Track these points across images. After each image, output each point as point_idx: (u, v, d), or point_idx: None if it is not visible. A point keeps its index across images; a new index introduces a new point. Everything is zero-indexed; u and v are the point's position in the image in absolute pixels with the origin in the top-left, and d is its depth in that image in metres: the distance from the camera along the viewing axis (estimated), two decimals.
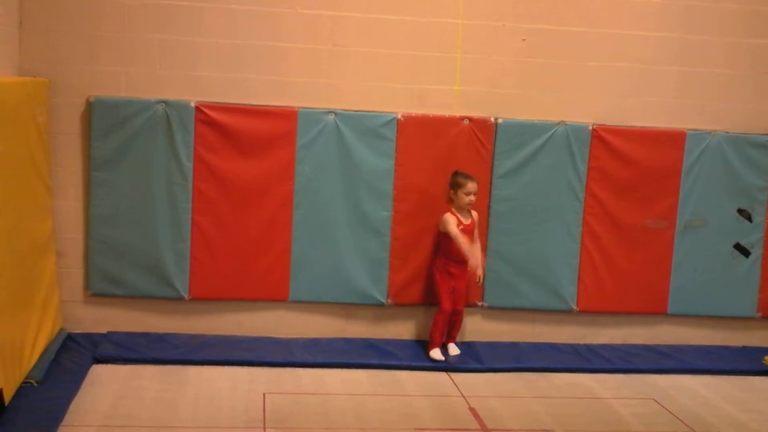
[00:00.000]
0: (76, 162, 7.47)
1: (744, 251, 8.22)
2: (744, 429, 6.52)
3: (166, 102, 7.43)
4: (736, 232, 8.20)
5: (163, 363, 7.10)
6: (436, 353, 7.46)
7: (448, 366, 7.42)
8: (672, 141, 8.07)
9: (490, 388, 7.05)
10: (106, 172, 7.44)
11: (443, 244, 7.50)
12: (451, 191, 7.43)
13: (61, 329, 7.37)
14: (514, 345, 7.95)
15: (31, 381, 6.30)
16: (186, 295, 7.64)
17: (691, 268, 8.17)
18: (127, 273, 7.57)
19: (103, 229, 7.51)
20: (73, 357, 7.00)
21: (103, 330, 7.56)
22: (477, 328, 8.05)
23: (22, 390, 6.12)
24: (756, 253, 8.22)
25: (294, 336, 7.79)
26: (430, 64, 7.78)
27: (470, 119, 7.81)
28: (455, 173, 7.47)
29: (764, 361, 7.84)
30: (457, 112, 7.84)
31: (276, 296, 7.78)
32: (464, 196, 7.36)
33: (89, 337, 7.43)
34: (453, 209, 7.43)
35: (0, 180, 5.77)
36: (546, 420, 6.47)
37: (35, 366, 6.49)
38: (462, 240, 7.31)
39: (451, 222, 7.36)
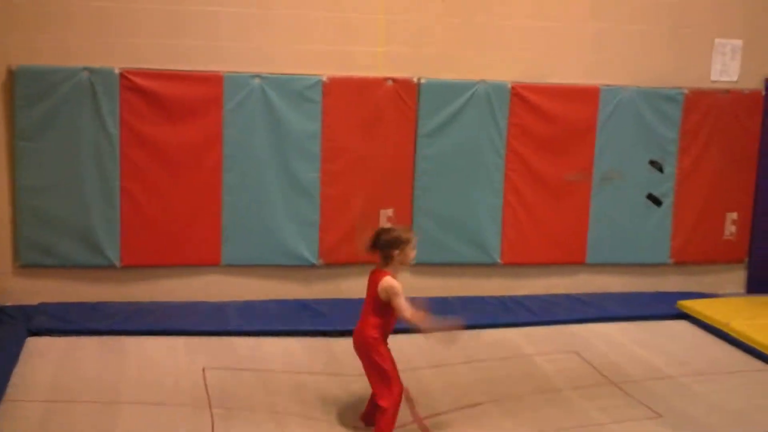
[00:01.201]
0: (1, 132, 7.35)
1: (656, 201, 8.63)
2: (658, 372, 6.88)
3: (90, 69, 7.36)
4: (649, 183, 8.60)
5: (100, 334, 7.06)
6: None
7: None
8: (586, 96, 8.37)
9: (419, 349, 6.91)
10: (32, 141, 7.36)
11: (385, 312, 5.63)
12: (395, 251, 5.61)
13: None
14: (443, 300, 8.15)
15: None
16: (118, 263, 7.65)
17: (607, 218, 8.54)
18: (58, 243, 7.54)
19: (32, 200, 7.45)
20: (6, 330, 6.95)
21: (35, 301, 7.53)
22: (405, 283, 8.16)
23: None
24: (667, 202, 8.64)
25: (228, 300, 7.88)
26: (354, 26, 7.87)
27: (394, 80, 7.95)
28: (390, 230, 5.80)
29: (678, 305, 8.28)
30: (381, 73, 7.96)
31: (208, 261, 7.87)
32: (412, 250, 5.75)
33: (21, 309, 7.37)
34: (392, 272, 5.66)
35: None
36: (473, 384, 6.54)
37: None
38: (417, 316, 5.55)
39: (400, 291, 5.59)
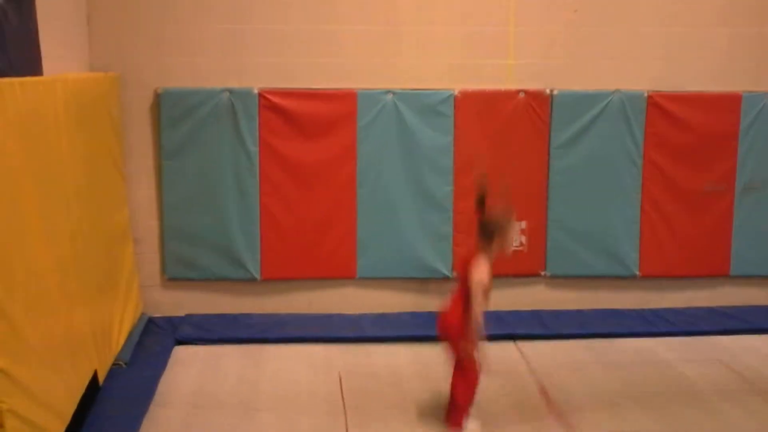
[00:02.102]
0: (148, 152, 7.76)
1: None
2: None
3: (230, 90, 7.67)
4: None
5: (241, 342, 7.40)
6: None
7: (514, 333, 7.57)
8: (727, 104, 8.12)
9: (556, 355, 7.20)
10: (176, 160, 7.72)
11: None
12: (494, 236, 5.48)
13: (142, 313, 7.70)
14: (578, 312, 8.08)
15: (120, 362, 6.63)
16: (258, 276, 7.90)
17: (751, 229, 8.23)
18: (201, 257, 7.86)
19: (176, 216, 7.80)
20: (155, 339, 7.34)
21: (181, 313, 7.89)
22: (541, 297, 8.21)
23: (113, 371, 6.46)
24: None
25: (363, 312, 8.03)
26: (484, 39, 7.91)
27: (526, 92, 7.94)
28: (491, 215, 5.55)
29: None
30: (513, 86, 7.96)
31: (344, 274, 8.02)
32: (512, 235, 5.62)
33: (169, 320, 7.76)
34: (488, 256, 5.51)
35: (83, 173, 6.05)
36: (612, 386, 6.61)
37: (122, 349, 6.83)
38: (478, 320, 5.43)
39: (484, 286, 5.43)
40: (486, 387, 6.17)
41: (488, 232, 5.50)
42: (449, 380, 5.79)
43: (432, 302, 8.09)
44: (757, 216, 8.22)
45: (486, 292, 5.48)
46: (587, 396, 6.43)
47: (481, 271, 5.44)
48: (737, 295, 8.36)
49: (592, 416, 6.08)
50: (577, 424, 5.95)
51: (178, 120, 7.67)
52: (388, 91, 7.83)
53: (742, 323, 7.89)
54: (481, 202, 5.56)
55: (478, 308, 5.39)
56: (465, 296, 5.52)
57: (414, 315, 7.99)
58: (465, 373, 5.64)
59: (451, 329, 5.61)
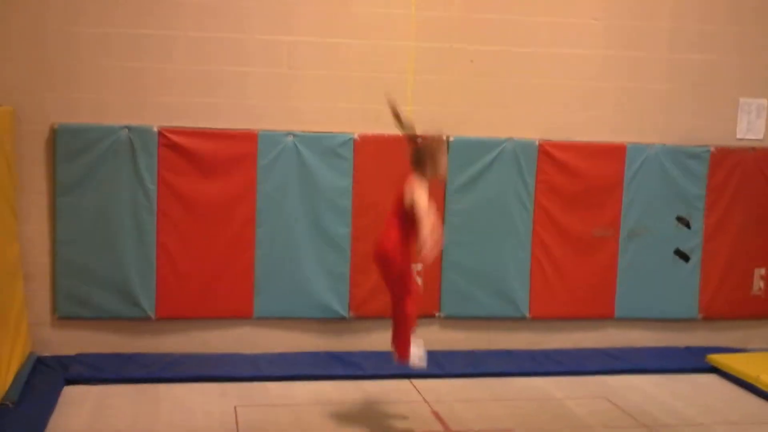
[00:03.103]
0: (42, 187, 7.61)
1: (684, 256, 8.68)
2: (691, 422, 6.93)
3: (129, 127, 7.63)
4: (677, 239, 8.66)
5: (135, 382, 7.26)
6: (417, 353, 6.18)
7: (410, 373, 7.69)
8: (613, 154, 8.52)
9: (451, 392, 7.35)
10: (71, 196, 7.60)
11: (408, 226, 5.83)
12: (429, 161, 5.89)
13: (31, 352, 7.47)
14: (470, 353, 8.26)
15: (7, 403, 6.41)
16: (153, 315, 7.81)
17: (635, 273, 8.60)
18: (95, 295, 7.72)
19: (70, 253, 7.66)
20: (44, 379, 7.11)
21: (72, 352, 7.69)
22: (435, 337, 8.33)
23: (0, 411, 6.24)
24: (695, 257, 8.69)
25: (260, 351, 8.01)
26: (384, 86, 8.07)
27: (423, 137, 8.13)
28: (421, 140, 5.96)
29: (707, 360, 8.28)
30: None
31: (241, 313, 8.00)
32: (444, 158, 5.98)
33: (59, 359, 7.53)
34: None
35: None
36: (506, 420, 6.81)
37: (9, 388, 6.60)
38: (432, 223, 5.70)
39: (425, 193, 5.76)
40: (382, 415, 6.53)
41: (420, 157, 5.82)
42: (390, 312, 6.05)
43: (330, 342, 8.18)
44: (639, 261, 8.60)
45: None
46: (479, 424, 6.65)
47: (418, 187, 5.70)
48: (621, 337, 8.69)
49: None
50: None
51: (75, 156, 7.57)
52: (288, 133, 7.93)
53: (626, 364, 8.19)
54: (397, 117, 5.98)
55: (428, 220, 5.60)
56: (400, 218, 5.77)
57: (312, 354, 8.02)
58: (405, 295, 5.84)
59: (389, 252, 5.77)
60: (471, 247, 8.29)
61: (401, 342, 6.10)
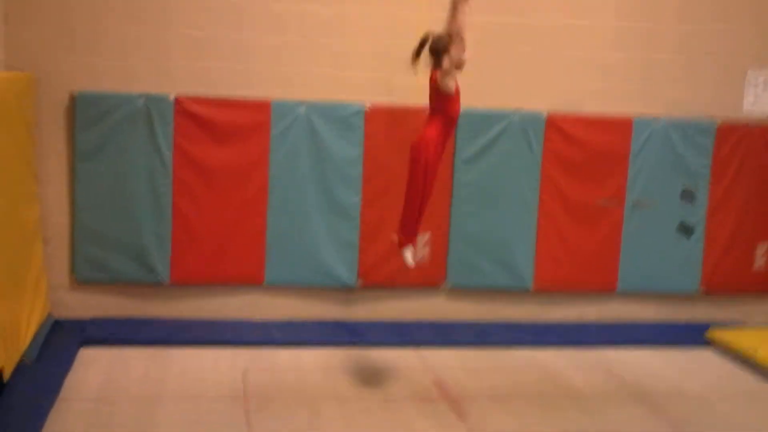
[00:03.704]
0: (62, 153, 7.84)
1: (687, 230, 8.81)
2: (687, 395, 7.12)
3: (146, 95, 7.81)
4: (681, 212, 8.79)
5: (148, 345, 7.52)
6: (409, 254, 6.72)
7: (415, 342, 7.90)
8: (620, 127, 8.63)
9: (454, 361, 7.57)
10: (90, 162, 7.82)
11: (444, 111, 6.50)
12: (444, 53, 6.37)
13: (49, 314, 7.73)
14: (474, 324, 8.45)
15: (26, 360, 6.68)
16: (167, 281, 8.05)
17: (639, 246, 8.74)
18: (112, 259, 7.96)
19: (88, 218, 7.90)
20: (61, 340, 7.39)
21: (89, 315, 7.96)
22: (440, 307, 8.55)
23: (19, 368, 6.51)
24: (698, 231, 8.83)
25: (270, 318, 8.25)
26: (395, 55, 8.19)
27: None
28: (434, 35, 6.48)
29: (707, 335, 8.44)
30: (421, 101, 8.28)
31: (252, 280, 8.23)
32: (462, 50, 6.38)
33: (75, 322, 7.80)
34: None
35: None
36: (506, 389, 7.02)
37: (28, 348, 6.87)
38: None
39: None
40: (386, 382, 6.81)
41: (437, 50, 6.32)
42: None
43: (338, 310, 8.39)
44: (643, 233, 8.74)
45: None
46: (480, 392, 6.89)
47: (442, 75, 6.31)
48: (623, 310, 8.86)
49: (484, 407, 6.59)
50: (469, 412, 6.45)
51: (94, 123, 7.78)
52: (301, 102, 8.09)
53: (626, 337, 8.38)
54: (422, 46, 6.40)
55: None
56: (435, 117, 6.47)
57: (320, 323, 8.25)
58: (424, 189, 6.49)
59: (423, 142, 6.43)
60: (478, 218, 8.46)
61: (408, 228, 6.62)
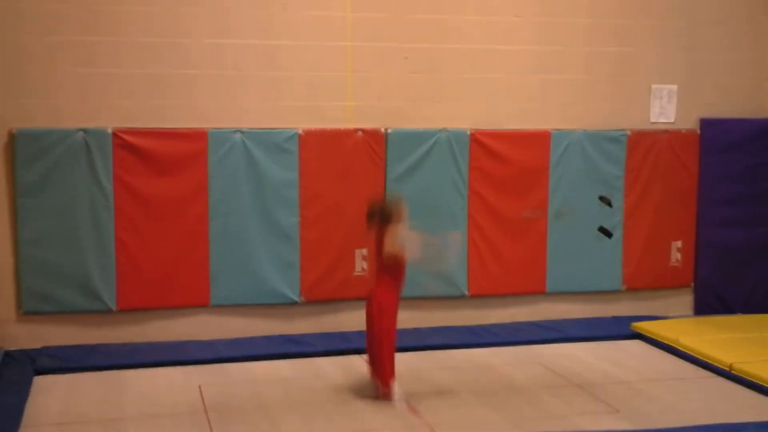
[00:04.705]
0: (2, 190, 8.00)
1: (607, 233, 9.40)
2: (617, 380, 7.63)
3: (84, 130, 8.04)
4: (600, 217, 9.38)
5: (101, 370, 7.68)
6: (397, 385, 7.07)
7: (360, 350, 8.21)
8: (539, 140, 9.19)
9: (398, 365, 7.82)
10: (31, 197, 7.99)
11: (394, 270, 7.05)
12: (393, 213, 7.10)
13: None
14: (416, 330, 8.82)
15: None
16: (114, 307, 8.23)
17: (563, 250, 9.29)
18: (58, 290, 8.12)
19: (32, 251, 8.05)
20: (14, 370, 7.50)
21: (38, 345, 8.07)
22: None
23: None
24: (617, 233, 9.43)
25: (218, 337, 8.48)
26: (325, 83, 8.65)
27: (363, 131, 8.72)
28: (380, 203, 7.32)
29: (632, 327, 9.00)
30: (352, 125, 8.73)
31: (198, 302, 8.48)
32: (404, 207, 7.20)
33: (26, 352, 7.91)
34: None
35: None
36: (450, 386, 7.41)
37: None
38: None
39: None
40: (339, 388, 7.19)
41: (382, 217, 6.93)
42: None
43: (283, 326, 8.69)
44: (566, 239, 9.29)
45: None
46: (427, 390, 7.26)
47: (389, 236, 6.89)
48: (553, 309, 9.38)
49: (432, 403, 6.97)
50: (419, 408, 6.82)
51: (34, 159, 7.96)
52: (236, 131, 8.42)
53: (557, 333, 8.88)
54: (376, 213, 7.02)
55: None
56: (382, 269, 6.98)
57: (267, 338, 8.52)
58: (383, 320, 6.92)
59: (379, 309, 6.92)
60: (409, 234, 8.82)
61: (390, 364, 7.03)
